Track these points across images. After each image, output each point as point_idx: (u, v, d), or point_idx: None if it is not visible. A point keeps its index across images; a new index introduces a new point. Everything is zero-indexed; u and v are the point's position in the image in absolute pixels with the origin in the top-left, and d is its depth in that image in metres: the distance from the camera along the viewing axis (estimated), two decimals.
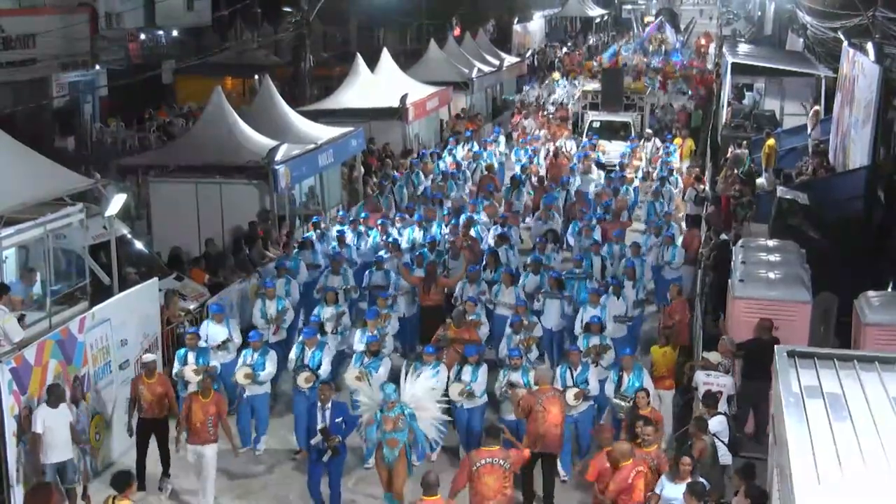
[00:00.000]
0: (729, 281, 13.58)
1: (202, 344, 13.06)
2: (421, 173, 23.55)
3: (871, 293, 12.45)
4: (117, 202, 14.45)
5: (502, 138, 29.32)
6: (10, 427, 10.35)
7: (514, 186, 22.31)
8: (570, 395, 11.73)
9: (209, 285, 16.37)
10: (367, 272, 16.47)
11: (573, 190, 22.11)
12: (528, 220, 21.44)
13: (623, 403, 11.54)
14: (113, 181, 17.46)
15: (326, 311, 14.39)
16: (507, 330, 13.69)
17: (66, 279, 14.63)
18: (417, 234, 18.48)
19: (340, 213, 21.04)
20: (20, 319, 12.74)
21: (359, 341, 13.22)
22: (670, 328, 13.64)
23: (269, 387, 13.03)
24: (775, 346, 9.11)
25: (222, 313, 13.76)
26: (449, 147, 26.97)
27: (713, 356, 12.18)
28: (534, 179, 23.86)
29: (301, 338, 12.99)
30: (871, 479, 6.55)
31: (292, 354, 12.87)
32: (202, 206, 18.36)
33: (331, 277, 15.87)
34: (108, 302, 12.78)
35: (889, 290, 14.10)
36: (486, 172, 24.30)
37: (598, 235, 18.05)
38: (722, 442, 10.62)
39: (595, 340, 13.02)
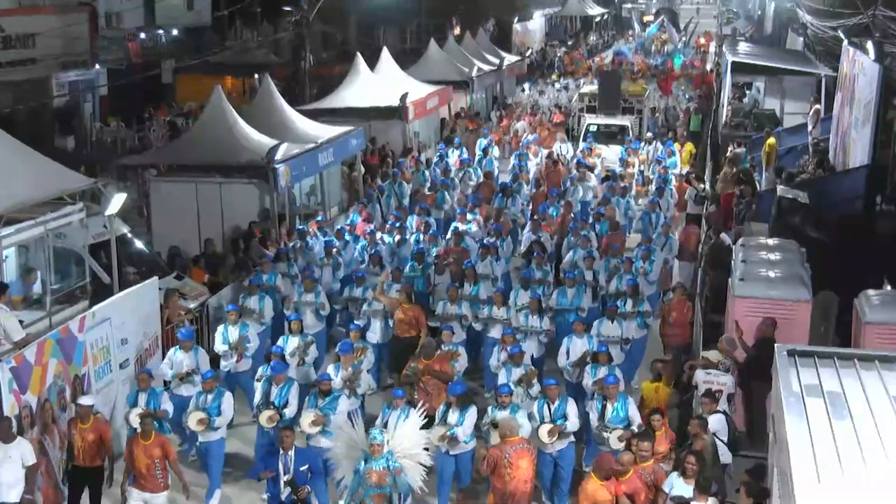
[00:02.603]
0: (729, 280, 13.58)
1: (176, 376, 12.33)
2: (403, 183, 22.37)
3: (871, 292, 12.43)
4: (117, 202, 14.45)
5: (496, 143, 28.65)
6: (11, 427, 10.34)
7: (508, 195, 20.94)
8: (544, 431, 10.91)
9: (209, 285, 16.38)
10: (346, 287, 15.58)
11: (570, 200, 20.73)
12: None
13: (605, 435, 11.01)
14: (113, 181, 17.47)
15: (291, 342, 13.18)
16: (494, 362, 12.75)
17: (67, 278, 14.63)
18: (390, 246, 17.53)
19: (320, 218, 20.00)
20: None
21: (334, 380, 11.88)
22: (663, 361, 12.62)
23: (225, 431, 11.94)
24: (775, 346, 9.11)
25: (191, 340, 12.75)
26: (440, 153, 26.11)
27: (713, 355, 12.17)
28: (525, 188, 22.44)
29: (268, 373, 11.95)
30: (871, 479, 6.55)
31: (258, 391, 11.87)
32: (202, 206, 18.35)
33: (304, 296, 14.80)
34: (109, 301, 12.79)
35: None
36: (483, 179, 23.23)
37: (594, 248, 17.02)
38: (721, 441, 10.64)
39: (603, 371, 12.04)
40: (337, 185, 22.79)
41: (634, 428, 10.86)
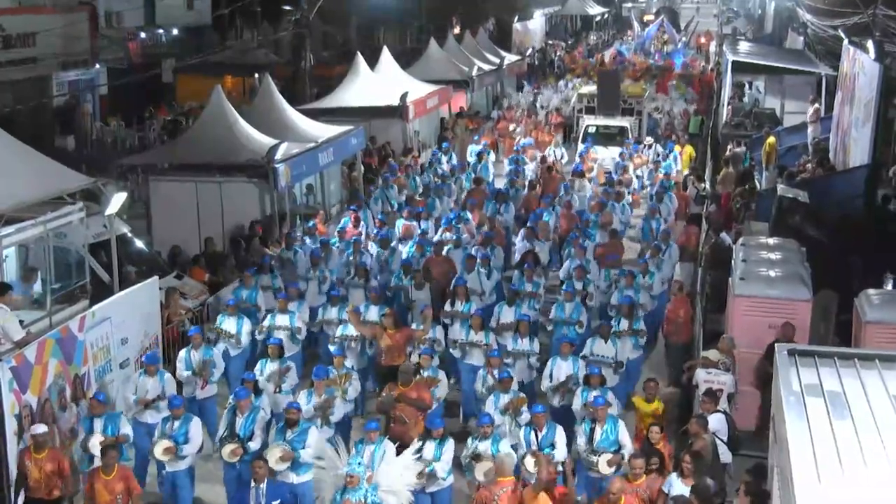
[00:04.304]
0: (729, 279, 13.58)
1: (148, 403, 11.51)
2: (395, 187, 21.58)
3: (871, 291, 12.44)
4: (117, 201, 14.46)
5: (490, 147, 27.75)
6: (11, 426, 10.34)
7: (501, 201, 19.79)
8: (531, 461, 10.14)
9: (209, 284, 16.37)
10: (320, 307, 14.59)
11: (561, 208, 19.54)
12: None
13: (594, 459, 10.39)
14: (113, 180, 17.47)
15: (270, 367, 12.32)
16: (479, 387, 11.90)
17: (67, 278, 14.63)
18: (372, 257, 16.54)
19: (311, 224, 19.06)
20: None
21: (305, 408, 11.10)
22: (655, 381, 11.89)
23: (194, 460, 11.10)
24: (775, 345, 9.11)
25: (156, 365, 11.96)
26: (432, 158, 25.26)
27: (713, 354, 12.17)
28: (521, 194, 21.28)
29: (232, 400, 11.18)
30: (872, 478, 6.54)
31: (222, 421, 11.10)
32: (202, 205, 18.35)
33: (278, 316, 13.77)
34: (109, 301, 12.78)
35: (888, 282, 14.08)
36: (474, 185, 21.80)
37: (590, 257, 16.30)
38: (721, 440, 10.64)
39: (594, 395, 11.17)
40: (337, 184, 22.79)
41: (625, 452, 10.37)
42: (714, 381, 11.68)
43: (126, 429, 10.95)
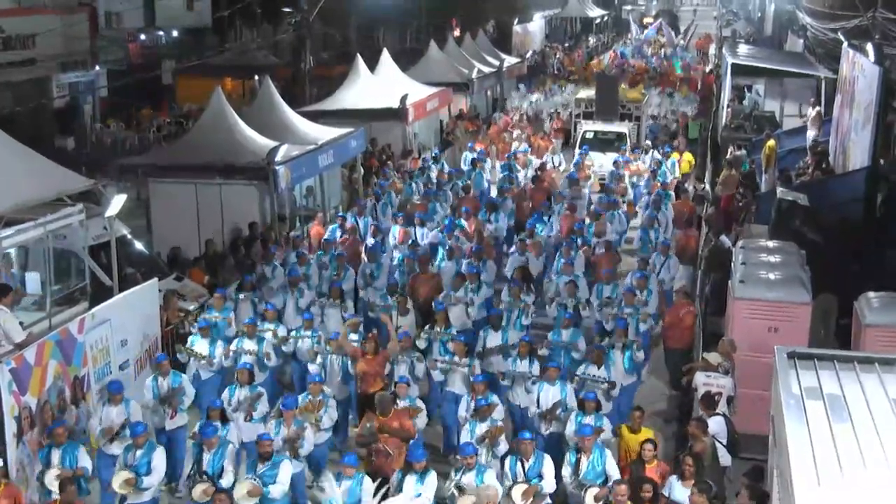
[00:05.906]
0: (729, 282, 13.59)
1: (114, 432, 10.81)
2: (392, 193, 20.95)
3: (871, 294, 12.44)
4: (117, 203, 14.45)
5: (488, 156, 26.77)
6: (11, 427, 10.34)
7: (491, 210, 19.02)
8: (517, 492, 9.71)
9: (208, 286, 16.37)
10: (294, 331, 13.59)
11: (556, 217, 18.96)
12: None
13: (580, 493, 9.88)
14: (112, 181, 17.45)
15: (239, 394, 11.67)
16: (463, 413, 11.21)
17: (66, 280, 14.63)
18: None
19: (297, 234, 18.54)
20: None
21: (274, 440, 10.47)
22: (641, 410, 11.26)
23: (157, 492, 10.55)
24: (775, 347, 9.12)
25: (121, 393, 11.17)
26: (424, 164, 24.51)
27: (713, 357, 12.16)
28: (511, 203, 20.12)
29: (199, 437, 10.54)
30: (871, 480, 6.55)
31: (188, 458, 10.59)
32: (202, 207, 18.34)
33: (245, 341, 12.88)
34: (108, 302, 12.79)
35: None
36: (463, 194, 20.95)
37: (580, 271, 15.69)
38: (720, 443, 10.64)
39: (589, 420, 10.69)
40: (337, 186, 22.78)
41: (612, 485, 9.74)
42: (713, 385, 11.67)
43: (84, 461, 10.24)
